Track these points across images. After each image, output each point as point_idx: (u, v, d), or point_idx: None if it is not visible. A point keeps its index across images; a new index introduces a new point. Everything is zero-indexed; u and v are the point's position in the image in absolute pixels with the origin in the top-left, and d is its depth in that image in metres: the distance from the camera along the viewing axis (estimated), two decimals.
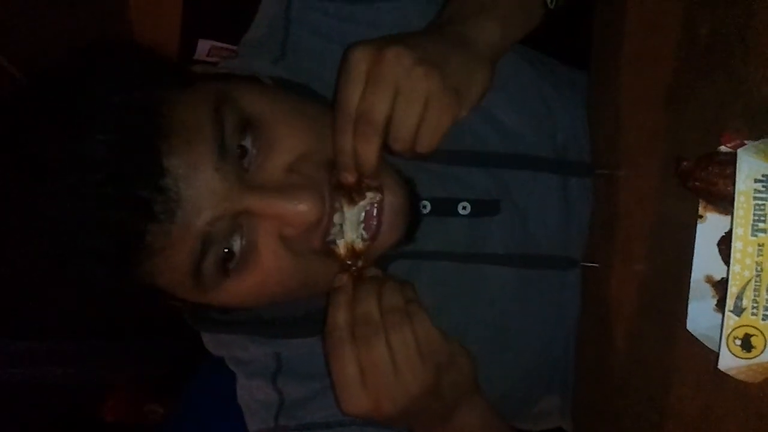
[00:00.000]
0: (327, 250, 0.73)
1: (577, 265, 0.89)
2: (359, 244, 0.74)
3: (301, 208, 0.67)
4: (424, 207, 0.84)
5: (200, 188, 0.64)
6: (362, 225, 0.74)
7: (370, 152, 0.68)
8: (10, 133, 0.66)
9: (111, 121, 0.62)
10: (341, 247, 0.74)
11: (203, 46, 1.96)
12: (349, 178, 0.70)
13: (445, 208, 0.85)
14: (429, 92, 0.66)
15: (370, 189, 0.73)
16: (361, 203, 0.73)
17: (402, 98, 0.66)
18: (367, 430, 0.84)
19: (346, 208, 0.73)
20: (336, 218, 0.72)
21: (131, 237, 0.62)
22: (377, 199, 0.73)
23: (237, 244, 0.68)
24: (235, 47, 0.96)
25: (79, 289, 0.67)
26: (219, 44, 1.96)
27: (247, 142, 0.68)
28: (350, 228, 0.74)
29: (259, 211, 0.67)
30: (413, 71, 0.66)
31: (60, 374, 2.42)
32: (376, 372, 0.67)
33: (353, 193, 0.73)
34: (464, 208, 0.85)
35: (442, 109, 0.67)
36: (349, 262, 0.74)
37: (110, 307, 0.71)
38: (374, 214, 0.74)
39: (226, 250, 0.67)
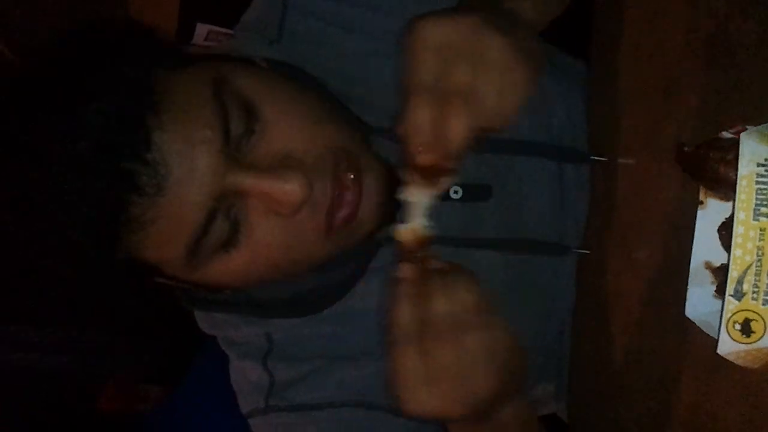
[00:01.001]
0: (330, 229, 0.72)
1: (569, 251, 0.88)
2: (426, 231, 0.70)
3: (288, 188, 0.66)
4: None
5: (192, 165, 0.64)
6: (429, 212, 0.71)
7: (463, 127, 0.65)
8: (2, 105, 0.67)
9: (103, 94, 0.63)
10: (406, 233, 0.70)
11: (201, 30, 1.96)
12: (428, 155, 0.66)
13: None
14: (509, 61, 0.65)
15: (448, 172, 0.69)
16: (438, 186, 0.69)
17: (486, 69, 0.64)
18: (360, 411, 0.84)
19: (420, 191, 0.69)
20: (404, 197, 0.70)
21: (116, 208, 0.63)
22: (449, 182, 0.70)
23: (234, 221, 0.68)
24: (233, 32, 0.95)
25: (68, 260, 0.68)
26: (217, 28, 1.96)
27: (247, 123, 0.68)
28: (419, 213, 0.70)
29: (248, 189, 0.67)
30: (494, 41, 0.64)
31: (58, 362, 2.42)
32: (447, 374, 0.64)
33: (431, 175, 0.69)
34: (456, 192, 0.84)
35: (517, 84, 0.66)
36: (412, 251, 0.70)
37: (100, 283, 0.71)
38: (349, 198, 0.72)
39: (228, 225, 0.68)
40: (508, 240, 0.87)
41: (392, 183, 0.76)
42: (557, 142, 0.91)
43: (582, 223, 0.90)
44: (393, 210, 0.76)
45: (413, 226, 0.69)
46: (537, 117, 0.90)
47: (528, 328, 0.89)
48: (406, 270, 0.67)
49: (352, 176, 0.72)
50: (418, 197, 0.69)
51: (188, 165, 0.64)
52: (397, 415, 0.83)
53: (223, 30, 1.94)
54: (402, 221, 0.70)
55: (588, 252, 0.87)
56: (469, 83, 0.64)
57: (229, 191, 0.67)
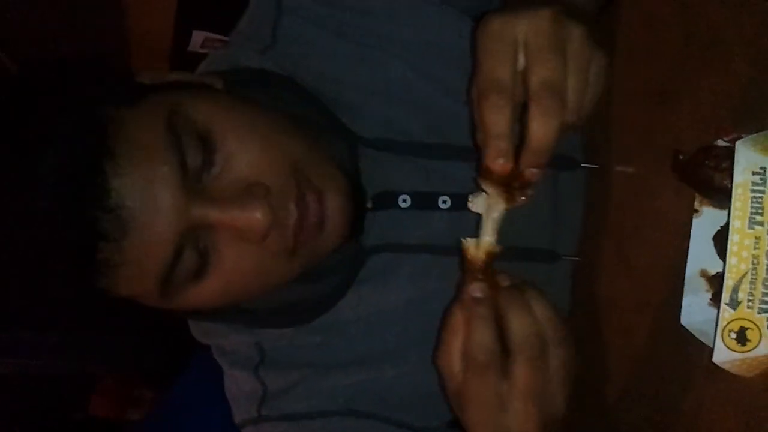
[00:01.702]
0: (297, 248, 0.72)
1: (559, 258, 0.88)
2: (496, 248, 0.66)
3: (253, 216, 0.66)
4: (404, 201, 0.83)
5: (154, 205, 0.64)
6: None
7: (553, 129, 0.60)
8: None
9: (57, 144, 0.63)
10: (475, 248, 0.66)
11: (197, 37, 1.96)
12: (507, 166, 0.62)
13: (425, 202, 0.84)
14: (591, 54, 0.62)
15: (529, 185, 0.64)
16: (516, 199, 0.65)
17: (573, 63, 0.61)
18: (350, 420, 0.84)
19: (494, 204, 0.65)
20: (476, 209, 0.67)
21: (83, 256, 0.63)
22: (528, 195, 0.65)
23: (202, 252, 0.69)
24: (228, 38, 0.96)
25: (50, 304, 0.70)
26: (213, 35, 1.96)
27: (203, 154, 0.68)
28: (490, 227, 0.66)
29: (213, 222, 0.67)
30: (575, 32, 0.61)
31: (50, 365, 2.41)
32: (529, 396, 0.60)
33: (508, 186, 0.64)
34: (444, 202, 0.84)
35: (605, 70, 0.64)
36: (479, 268, 0.65)
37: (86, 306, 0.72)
38: (313, 215, 0.72)
39: (196, 257, 0.68)
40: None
41: (355, 192, 0.76)
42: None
43: (577, 230, 0.90)
44: (358, 220, 0.77)
45: (484, 241, 0.65)
46: None
47: None
48: (477, 289, 0.63)
49: (314, 194, 0.72)
50: (491, 210, 0.65)
51: (150, 205, 0.64)
52: (388, 423, 0.84)
53: (220, 37, 1.94)
54: (470, 236, 0.66)
55: (578, 259, 0.87)
56: (557, 78, 0.59)
57: (194, 225, 0.67)
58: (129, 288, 0.67)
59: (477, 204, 0.66)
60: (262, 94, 0.81)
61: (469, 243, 0.66)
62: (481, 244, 0.65)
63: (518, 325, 0.60)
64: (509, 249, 0.84)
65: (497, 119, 0.60)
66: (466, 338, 0.61)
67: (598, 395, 0.83)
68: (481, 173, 0.64)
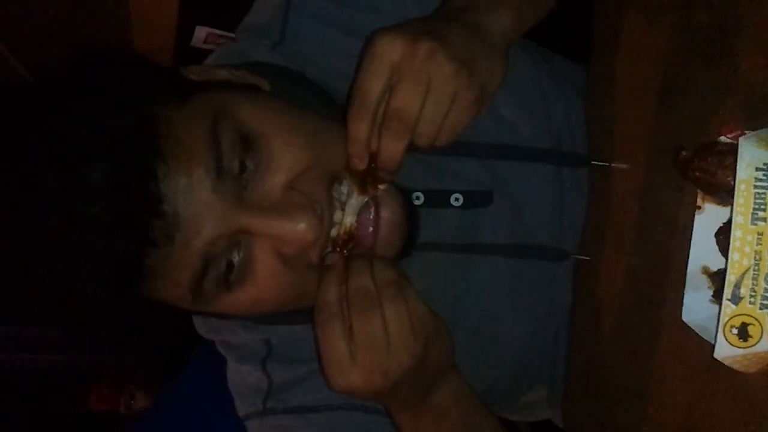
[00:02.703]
0: (323, 264, 0.73)
1: (568, 256, 0.89)
2: (355, 228, 0.74)
3: (300, 228, 0.67)
4: (417, 198, 0.84)
5: (198, 209, 0.64)
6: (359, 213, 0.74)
7: (398, 149, 0.69)
8: (8, 160, 0.65)
9: (106, 148, 0.62)
10: (338, 229, 0.73)
11: (200, 32, 1.95)
12: (360, 165, 0.71)
13: (438, 200, 0.85)
14: (457, 90, 0.67)
15: (383, 182, 0.73)
16: (371, 193, 0.74)
17: (433, 96, 0.67)
18: (356, 414, 0.84)
19: (353, 194, 0.73)
20: (337, 196, 0.73)
21: (131, 263, 0.63)
22: (383, 193, 0.75)
23: (236, 260, 0.68)
24: (232, 34, 0.96)
25: (83, 307, 0.69)
26: (216, 31, 1.95)
27: (246, 158, 0.67)
28: (350, 212, 0.73)
29: (257, 231, 0.67)
30: (446, 69, 0.66)
31: (47, 361, 2.41)
32: (370, 345, 0.67)
33: (366, 183, 0.73)
34: (456, 199, 0.85)
35: (468, 108, 0.69)
36: (341, 245, 0.73)
37: (115, 319, 0.72)
38: (369, 230, 0.74)
39: (227, 266, 0.68)
40: (507, 246, 0.87)
41: (409, 210, 0.79)
42: (556, 146, 0.91)
43: (580, 227, 0.90)
44: (410, 237, 0.79)
45: (345, 223, 0.73)
46: (537, 121, 0.90)
47: (526, 333, 0.90)
48: (331, 258, 0.73)
49: (372, 203, 0.74)
50: (354, 200, 0.74)
51: (195, 210, 0.64)
52: (391, 418, 0.83)
53: (223, 33, 1.94)
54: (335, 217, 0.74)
55: (588, 258, 0.87)
56: (409, 107, 0.67)
57: (235, 232, 0.67)
58: (164, 293, 0.68)
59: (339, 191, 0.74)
60: (299, 91, 0.82)
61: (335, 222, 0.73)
62: (344, 225, 0.73)
63: (352, 282, 0.68)
64: (520, 247, 0.86)
65: (358, 127, 0.69)
66: (317, 299, 0.70)
67: (598, 391, 0.83)
68: (346, 166, 0.73)
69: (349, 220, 0.73)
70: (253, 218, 0.66)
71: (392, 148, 0.69)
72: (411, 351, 0.68)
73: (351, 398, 0.84)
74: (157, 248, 0.62)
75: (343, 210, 0.73)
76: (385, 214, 0.74)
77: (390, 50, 0.66)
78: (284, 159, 0.68)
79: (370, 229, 0.73)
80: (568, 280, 0.90)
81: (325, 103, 0.83)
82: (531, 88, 0.91)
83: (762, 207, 0.53)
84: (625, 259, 0.80)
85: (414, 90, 0.66)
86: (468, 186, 0.85)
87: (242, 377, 0.88)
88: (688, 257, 0.65)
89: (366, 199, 0.74)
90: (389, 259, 0.73)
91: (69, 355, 2.46)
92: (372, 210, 0.73)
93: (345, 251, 0.73)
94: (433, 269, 0.85)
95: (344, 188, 0.73)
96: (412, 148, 0.80)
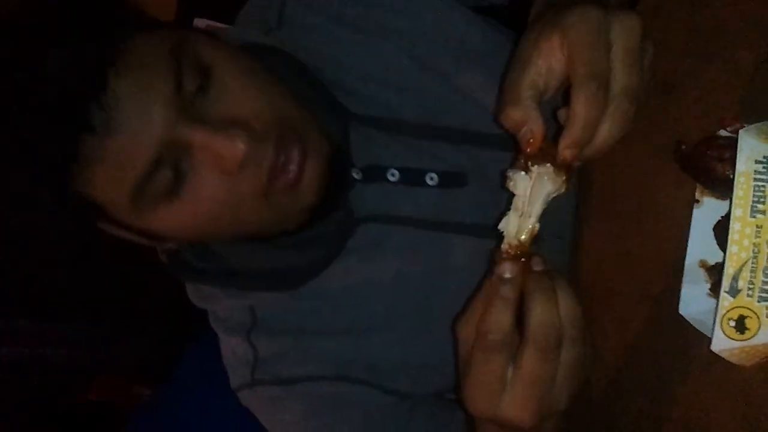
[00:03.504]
0: (268, 193, 0.74)
1: (542, 239, 0.89)
2: (536, 228, 0.63)
3: (232, 144, 0.69)
4: (393, 175, 0.86)
5: (145, 112, 0.67)
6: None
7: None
8: None
9: (68, 44, 0.68)
10: (518, 231, 0.63)
11: (198, 23, 1.95)
12: (573, 154, 0.60)
13: (413, 177, 0.87)
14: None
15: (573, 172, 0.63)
16: (567, 184, 0.63)
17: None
18: (340, 384, 0.86)
19: (547, 184, 0.62)
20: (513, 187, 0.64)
21: (69, 144, 0.67)
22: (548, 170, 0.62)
23: (179, 170, 0.71)
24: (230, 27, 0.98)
25: (25, 194, 0.74)
26: (215, 23, 1.95)
27: (203, 85, 0.71)
28: (538, 209, 0.63)
29: (197, 142, 0.69)
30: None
31: (49, 355, 2.41)
32: (534, 386, 0.59)
33: (562, 171, 0.62)
34: (431, 178, 0.87)
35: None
36: (516, 247, 0.63)
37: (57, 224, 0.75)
38: (292, 167, 0.74)
39: (169, 176, 0.70)
40: (483, 226, 0.88)
41: (338, 165, 0.79)
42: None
43: (566, 215, 0.91)
44: (344, 190, 0.81)
45: (527, 221, 0.63)
46: None
47: None
48: (507, 269, 0.61)
49: (299, 148, 0.74)
50: (539, 190, 0.62)
51: (139, 111, 0.67)
52: (377, 389, 0.86)
53: (221, 25, 1.93)
54: (506, 214, 0.64)
55: (560, 239, 0.89)
56: (634, 88, 0.59)
57: (177, 142, 0.69)
58: (103, 190, 0.70)
59: (517, 183, 0.63)
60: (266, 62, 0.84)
61: (510, 220, 0.63)
62: (522, 224, 0.63)
63: (539, 313, 0.59)
64: (495, 229, 0.87)
65: (584, 112, 0.58)
66: (484, 314, 0.60)
67: (594, 386, 0.83)
68: (533, 156, 0.62)
69: (533, 219, 0.63)
70: (196, 130, 0.69)
71: (609, 132, 0.59)
72: (570, 396, 0.62)
73: (336, 369, 0.86)
74: (94, 135, 0.66)
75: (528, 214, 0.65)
76: (312, 155, 0.75)
77: (606, 29, 0.59)
78: (236, 95, 0.72)
79: (293, 166, 0.73)
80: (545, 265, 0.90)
81: (308, 83, 0.87)
82: None
83: (761, 200, 0.53)
84: (623, 253, 0.80)
85: (636, 66, 0.59)
86: (444, 167, 0.88)
87: (232, 350, 0.91)
88: (685, 251, 0.66)
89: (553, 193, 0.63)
90: (568, 284, 0.63)
91: (69, 349, 2.46)
92: (298, 150, 0.74)
93: (519, 257, 0.62)
94: (411, 246, 0.87)
95: (521, 181, 0.64)
96: (393, 128, 0.85)
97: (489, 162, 0.89)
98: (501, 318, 0.59)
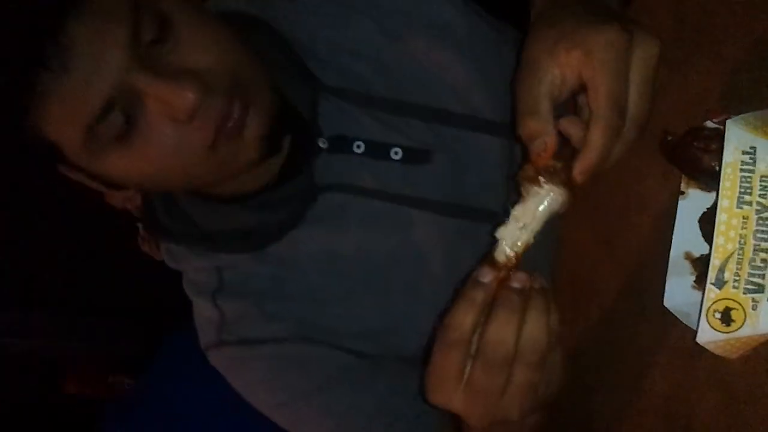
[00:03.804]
0: (215, 143, 0.75)
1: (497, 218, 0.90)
2: (530, 243, 0.62)
3: (183, 94, 0.70)
4: (358, 147, 0.87)
5: (99, 54, 0.68)
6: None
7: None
8: None
9: None
10: (511, 246, 0.61)
11: None
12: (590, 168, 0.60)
13: (378, 150, 0.88)
14: None
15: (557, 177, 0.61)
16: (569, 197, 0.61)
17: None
18: (301, 346, 0.88)
19: (550, 196, 0.61)
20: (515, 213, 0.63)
21: (25, 77, 0.68)
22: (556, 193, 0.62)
23: (131, 116, 0.72)
24: None
25: None
26: None
27: (161, 36, 0.72)
28: (536, 225, 0.61)
29: (148, 89, 0.71)
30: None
31: (24, 346, 2.39)
32: (482, 391, 0.61)
33: (565, 182, 0.61)
34: (396, 153, 0.88)
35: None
36: (504, 260, 0.61)
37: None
38: (235, 116, 0.74)
39: (123, 120, 0.72)
40: (444, 204, 0.90)
41: (281, 124, 0.79)
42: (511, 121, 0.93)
43: None
44: (276, 148, 0.81)
45: (525, 233, 0.61)
46: (497, 96, 0.92)
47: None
48: (484, 274, 0.61)
49: (243, 102, 0.75)
50: (543, 206, 0.61)
51: (94, 54, 0.68)
52: (339, 349, 0.88)
53: None
54: (506, 222, 0.62)
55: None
56: (644, 117, 0.60)
57: (129, 87, 0.70)
58: (57, 128, 0.71)
59: (530, 194, 0.61)
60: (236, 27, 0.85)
61: (508, 230, 0.62)
62: (519, 236, 0.61)
63: (492, 328, 0.59)
64: (456, 206, 0.89)
65: (608, 140, 0.59)
66: (451, 308, 0.61)
67: (578, 379, 0.83)
68: (541, 168, 0.61)
69: (526, 237, 0.62)
70: (148, 78, 0.70)
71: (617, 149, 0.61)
72: (522, 412, 0.62)
73: (297, 331, 0.88)
74: (48, 71, 0.67)
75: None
76: (257, 109, 0.76)
77: (627, 53, 0.59)
78: (194, 47, 0.73)
79: (235, 122, 0.74)
80: None
81: (282, 51, 0.88)
82: (493, 65, 0.93)
83: (748, 191, 0.53)
84: (607, 246, 0.79)
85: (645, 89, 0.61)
86: (410, 143, 0.89)
87: (200, 311, 0.93)
88: (671, 243, 0.65)
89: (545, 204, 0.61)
90: (546, 308, 0.61)
91: (47, 340, 2.45)
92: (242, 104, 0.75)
93: (502, 267, 0.61)
94: (373, 218, 0.89)
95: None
96: (363, 101, 0.87)
97: (455, 141, 0.91)
98: (464, 318, 0.60)
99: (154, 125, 0.72)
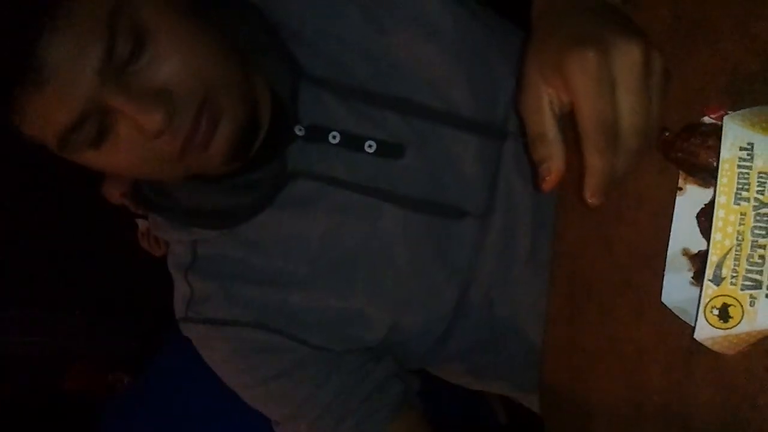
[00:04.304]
0: (182, 156, 0.77)
1: (466, 216, 0.92)
2: None
3: (149, 118, 0.73)
4: (334, 138, 0.89)
5: (72, 76, 0.71)
6: None
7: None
8: None
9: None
10: None
11: None
12: (601, 201, 0.61)
13: (353, 143, 0.89)
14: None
15: None
16: None
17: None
18: (259, 332, 0.91)
19: None
20: None
21: (3, 91, 0.71)
22: None
23: (103, 126, 0.75)
24: None
25: None
26: None
27: (137, 51, 0.73)
28: None
29: (116, 107, 0.73)
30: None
31: (23, 343, 2.40)
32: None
33: None
34: (370, 146, 0.89)
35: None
36: None
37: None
38: (201, 134, 0.77)
39: (96, 130, 0.74)
40: (416, 199, 0.91)
41: (251, 133, 0.83)
42: (502, 119, 0.94)
43: (520, 198, 0.94)
44: (246, 155, 0.84)
45: None
46: (478, 94, 0.93)
47: (420, 286, 0.93)
48: None
49: (211, 119, 0.77)
50: None
51: (68, 72, 0.70)
52: (292, 340, 0.90)
53: None
54: None
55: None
56: (641, 123, 0.60)
57: (101, 104, 0.73)
58: (34, 133, 0.74)
59: None
60: (222, 15, 0.86)
61: None
62: None
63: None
64: (426, 203, 0.91)
65: (602, 160, 0.59)
66: None
67: (577, 374, 0.83)
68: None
69: None
70: (119, 97, 0.72)
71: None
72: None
73: (258, 317, 0.91)
74: (25, 86, 0.70)
75: None
76: (225, 122, 0.78)
77: (607, 67, 0.58)
78: (166, 66, 0.75)
79: (201, 139, 0.77)
80: (472, 242, 0.94)
81: (268, 37, 0.90)
82: (474, 59, 0.94)
83: (745, 187, 0.52)
84: (605, 242, 0.79)
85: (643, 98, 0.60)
86: (385, 136, 0.90)
87: (176, 284, 0.97)
88: (668, 239, 0.65)
89: None
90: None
91: (46, 337, 2.45)
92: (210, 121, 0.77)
93: None
94: (342, 208, 0.90)
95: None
96: (343, 91, 0.89)
97: (432, 136, 0.91)
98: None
99: (123, 137, 0.75)
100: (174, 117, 0.74)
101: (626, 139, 0.58)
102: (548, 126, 0.61)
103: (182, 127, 0.76)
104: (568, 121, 0.61)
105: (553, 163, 0.61)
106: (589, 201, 0.60)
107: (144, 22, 0.73)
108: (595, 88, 0.57)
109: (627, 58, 0.57)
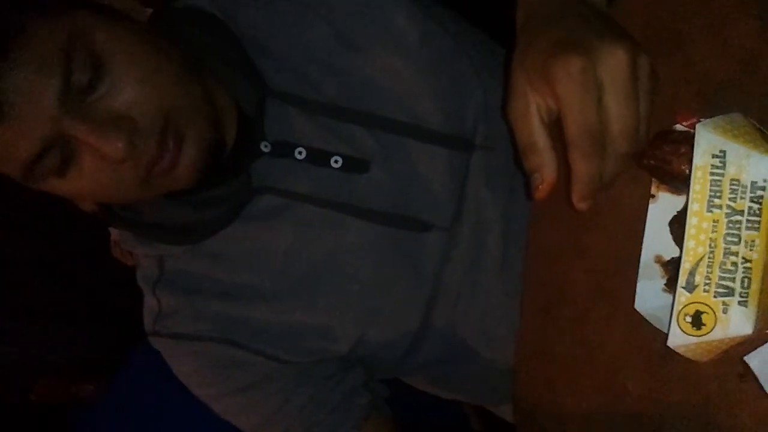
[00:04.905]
0: (147, 180, 0.78)
1: (431, 228, 0.92)
2: None
3: (112, 146, 0.73)
4: (300, 154, 0.89)
5: (30, 106, 0.70)
6: None
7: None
8: None
9: None
10: None
11: None
12: (587, 205, 0.61)
13: (319, 158, 0.89)
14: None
15: None
16: None
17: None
18: (222, 347, 0.91)
19: None
20: None
21: None
22: None
23: (66, 155, 0.75)
24: None
25: None
26: None
27: (94, 79, 0.74)
28: None
29: (78, 137, 0.73)
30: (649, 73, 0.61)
31: None
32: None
33: None
34: (336, 161, 0.89)
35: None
36: None
37: None
38: (167, 158, 0.77)
39: (58, 159, 0.74)
40: (380, 213, 0.91)
41: (217, 153, 0.83)
42: (471, 131, 0.94)
43: (489, 209, 0.94)
44: (212, 175, 0.84)
45: None
46: (447, 106, 0.92)
47: (386, 299, 0.93)
48: None
49: (175, 142, 0.78)
50: None
51: (26, 104, 0.70)
52: (257, 354, 0.91)
53: None
54: None
55: (449, 229, 0.92)
56: (629, 127, 0.59)
57: (62, 134, 0.73)
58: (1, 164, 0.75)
59: None
60: (186, 32, 0.88)
61: None
62: None
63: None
64: (392, 216, 0.91)
65: (589, 166, 0.58)
66: None
67: (549, 383, 0.83)
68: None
69: None
70: (80, 127, 0.72)
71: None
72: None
73: (224, 332, 0.91)
74: None
75: None
76: (189, 144, 0.79)
77: (592, 72, 0.58)
78: (125, 93, 0.75)
79: (168, 157, 0.77)
80: (439, 254, 0.93)
81: (235, 53, 0.90)
82: (442, 69, 0.94)
83: (717, 194, 0.53)
84: (577, 250, 0.79)
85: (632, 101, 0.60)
86: (351, 151, 0.90)
87: (145, 298, 0.97)
88: (641, 246, 0.65)
89: None
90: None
91: (12, 348, 2.42)
92: (174, 144, 0.77)
93: None
94: (307, 222, 0.90)
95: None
96: (309, 107, 0.89)
97: (398, 149, 0.91)
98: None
99: (87, 165, 0.75)
100: (137, 143, 0.75)
101: (615, 143, 0.58)
102: (537, 134, 0.61)
103: (146, 152, 0.76)
104: (555, 126, 0.61)
105: (545, 172, 0.61)
106: (577, 206, 0.60)
107: (100, 51, 0.74)
108: (581, 94, 0.57)
109: (613, 62, 0.57)
